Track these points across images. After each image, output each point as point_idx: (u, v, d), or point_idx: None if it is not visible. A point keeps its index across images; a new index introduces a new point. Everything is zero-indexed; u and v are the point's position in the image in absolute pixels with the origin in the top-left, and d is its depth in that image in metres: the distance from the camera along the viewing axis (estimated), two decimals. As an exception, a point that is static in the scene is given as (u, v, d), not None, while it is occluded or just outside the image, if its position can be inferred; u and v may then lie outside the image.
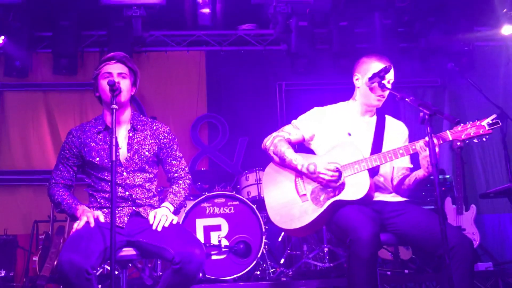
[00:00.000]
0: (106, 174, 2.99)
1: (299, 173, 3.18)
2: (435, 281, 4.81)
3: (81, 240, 2.70)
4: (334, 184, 3.07)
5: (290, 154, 3.19)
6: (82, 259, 2.57)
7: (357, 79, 3.29)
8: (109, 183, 2.91)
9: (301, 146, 3.46)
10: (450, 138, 2.91)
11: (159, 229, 2.85)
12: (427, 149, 2.89)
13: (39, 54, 6.67)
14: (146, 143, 3.09)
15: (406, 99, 2.87)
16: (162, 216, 2.91)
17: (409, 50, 6.79)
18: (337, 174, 3.06)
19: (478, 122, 2.88)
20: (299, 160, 3.16)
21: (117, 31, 6.31)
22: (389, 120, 3.35)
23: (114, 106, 2.78)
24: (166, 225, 2.89)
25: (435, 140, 2.91)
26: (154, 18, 6.15)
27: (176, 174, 3.19)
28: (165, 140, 3.15)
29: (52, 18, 6.34)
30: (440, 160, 6.59)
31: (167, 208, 3.02)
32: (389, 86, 3.16)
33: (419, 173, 3.10)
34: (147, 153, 3.07)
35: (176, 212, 3.07)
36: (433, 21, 6.52)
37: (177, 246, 2.72)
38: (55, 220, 5.62)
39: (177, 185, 3.17)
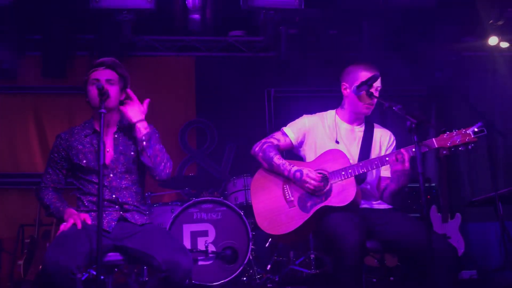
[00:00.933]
0: (93, 176, 2.99)
1: (287, 179, 3.19)
2: (420, 289, 4.84)
3: (67, 241, 2.70)
4: (320, 192, 3.08)
5: (277, 160, 3.21)
6: (67, 258, 2.56)
7: (344, 88, 3.32)
8: (97, 186, 2.89)
9: (291, 153, 3.47)
10: (436, 146, 2.94)
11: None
12: (399, 163, 2.93)
13: (27, 57, 6.61)
14: (131, 143, 3.09)
15: (394, 108, 2.89)
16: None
17: (397, 58, 6.83)
18: (322, 183, 3.08)
19: (464, 130, 2.91)
20: (287, 166, 3.17)
21: (106, 35, 6.29)
22: (377, 129, 3.38)
23: (102, 110, 2.78)
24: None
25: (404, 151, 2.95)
26: (144, 23, 6.14)
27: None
28: None
29: (41, 21, 6.31)
30: (426, 169, 6.66)
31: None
32: (376, 94, 3.19)
33: (391, 185, 3.13)
34: (132, 153, 3.07)
35: (146, 137, 3.01)
36: (421, 31, 6.58)
37: (163, 254, 2.70)
38: (41, 224, 5.57)
39: None
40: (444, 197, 5.51)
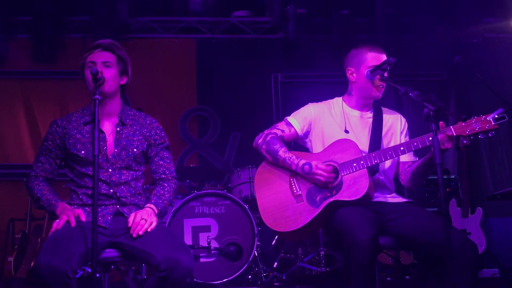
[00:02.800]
0: (90, 169, 2.96)
1: (293, 173, 3.19)
2: (437, 288, 4.85)
3: (61, 242, 2.69)
4: (331, 184, 3.08)
5: (283, 153, 3.19)
6: (61, 262, 2.56)
7: (351, 74, 3.30)
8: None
9: (296, 144, 3.47)
10: (454, 134, 2.93)
11: (135, 235, 2.79)
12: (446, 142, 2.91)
13: (16, 40, 6.63)
14: (135, 139, 3.08)
15: (410, 94, 2.88)
16: (141, 220, 2.85)
17: (414, 41, 6.81)
18: (333, 175, 3.07)
19: (484, 116, 2.90)
20: (294, 159, 3.16)
21: (101, 17, 6.29)
22: (386, 113, 3.36)
23: (97, 96, 2.76)
24: (145, 229, 2.82)
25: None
26: (141, 3, 6.14)
27: (163, 176, 3.15)
28: (156, 136, 3.14)
29: (31, 1, 6.30)
30: (445, 160, 6.64)
31: (152, 209, 2.97)
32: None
33: (417, 161, 3.13)
34: (135, 149, 3.06)
35: (159, 217, 3.02)
36: (440, 11, 6.54)
37: (163, 252, 2.70)
38: (33, 218, 5.60)
39: (162, 187, 3.11)
40: (464, 190, 5.50)
